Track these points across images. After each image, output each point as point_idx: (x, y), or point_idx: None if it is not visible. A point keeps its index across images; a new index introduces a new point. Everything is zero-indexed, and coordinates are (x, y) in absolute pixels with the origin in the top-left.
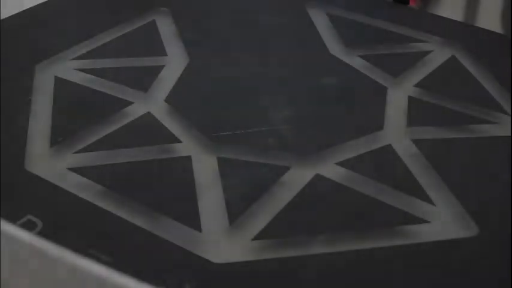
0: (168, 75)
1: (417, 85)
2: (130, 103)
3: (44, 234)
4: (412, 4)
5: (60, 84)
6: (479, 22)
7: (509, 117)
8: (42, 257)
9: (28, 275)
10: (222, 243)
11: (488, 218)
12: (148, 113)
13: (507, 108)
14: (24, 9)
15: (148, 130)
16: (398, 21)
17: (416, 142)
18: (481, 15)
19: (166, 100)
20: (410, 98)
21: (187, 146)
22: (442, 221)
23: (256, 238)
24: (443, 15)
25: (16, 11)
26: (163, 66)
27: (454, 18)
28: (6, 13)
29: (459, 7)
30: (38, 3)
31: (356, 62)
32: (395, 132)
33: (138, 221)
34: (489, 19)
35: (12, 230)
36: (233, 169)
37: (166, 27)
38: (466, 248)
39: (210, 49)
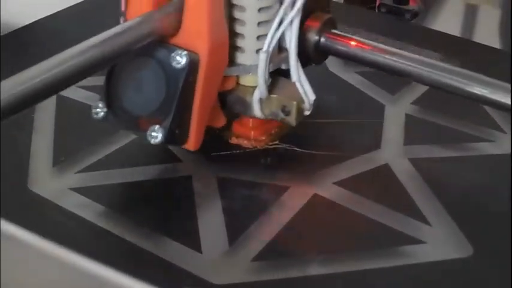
0: None
1: (414, 102)
2: None
3: None
4: (412, 4)
5: (62, 101)
6: (479, 24)
7: (506, 135)
8: (42, 257)
9: (28, 275)
10: (221, 264)
11: (482, 239)
12: None
13: (503, 126)
14: (27, 23)
15: (149, 149)
16: (396, 37)
17: (413, 161)
18: (481, 18)
19: None
20: (407, 116)
21: (187, 165)
22: (437, 241)
23: (255, 259)
24: (443, 19)
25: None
26: None
27: (453, 21)
28: (7, 29)
29: (459, 11)
30: (38, 17)
31: (354, 78)
32: (393, 151)
33: (139, 241)
34: (489, 24)
35: (12, 230)
36: (233, 189)
37: None
38: (460, 268)
39: None
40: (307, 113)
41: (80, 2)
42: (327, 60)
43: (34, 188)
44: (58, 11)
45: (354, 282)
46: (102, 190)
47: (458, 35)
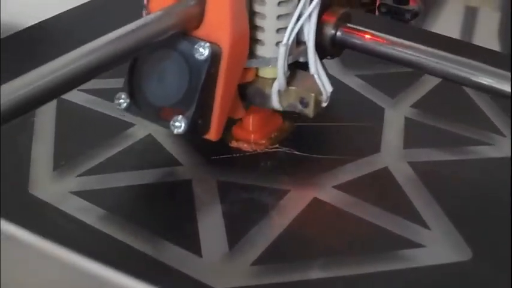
0: None
1: (414, 106)
2: (131, 125)
3: None
4: (412, 4)
5: (63, 105)
6: (479, 26)
7: (505, 139)
8: (42, 257)
9: (28, 275)
10: (221, 268)
11: (482, 242)
12: (149, 135)
13: (503, 130)
14: (27, 26)
15: (149, 153)
16: None
17: (413, 164)
18: (480, 20)
19: None
20: (407, 119)
21: (187, 169)
22: (436, 245)
23: (255, 263)
24: (442, 22)
25: (18, 29)
26: None
27: (453, 23)
28: (7, 29)
29: (459, 13)
30: (39, 18)
31: (353, 81)
32: (392, 155)
33: (140, 245)
34: (488, 27)
35: (12, 230)
36: (233, 193)
37: None
38: (460, 272)
39: None
40: (324, 104)
41: (84, 3)
42: (326, 63)
43: (35, 191)
44: (60, 13)
45: (353, 286)
46: (102, 194)
47: (458, 37)
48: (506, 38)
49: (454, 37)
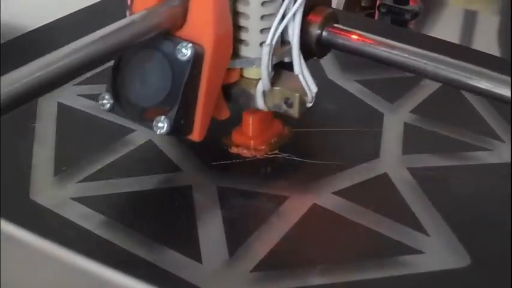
0: None
1: (413, 111)
2: (132, 131)
3: None
4: (412, 4)
5: (64, 110)
6: (478, 31)
7: (504, 144)
8: (42, 257)
9: (28, 275)
10: (221, 274)
11: (481, 249)
12: (150, 140)
13: (502, 135)
14: (27, 31)
15: (149, 159)
16: None
17: (412, 170)
18: (480, 24)
19: None
20: (406, 125)
21: (187, 175)
22: (435, 251)
23: (254, 270)
24: (442, 26)
25: (17, 34)
26: None
27: (452, 28)
28: (7, 29)
29: (458, 17)
30: (41, 24)
31: (353, 86)
32: (391, 161)
33: (140, 251)
34: (488, 31)
35: (12, 230)
36: (233, 199)
37: None
38: (458, 278)
39: None
40: (309, 105)
41: (84, 7)
42: (325, 68)
43: (35, 197)
44: (59, 18)
45: None
46: (103, 200)
47: (457, 42)
48: (506, 42)
49: (453, 40)
